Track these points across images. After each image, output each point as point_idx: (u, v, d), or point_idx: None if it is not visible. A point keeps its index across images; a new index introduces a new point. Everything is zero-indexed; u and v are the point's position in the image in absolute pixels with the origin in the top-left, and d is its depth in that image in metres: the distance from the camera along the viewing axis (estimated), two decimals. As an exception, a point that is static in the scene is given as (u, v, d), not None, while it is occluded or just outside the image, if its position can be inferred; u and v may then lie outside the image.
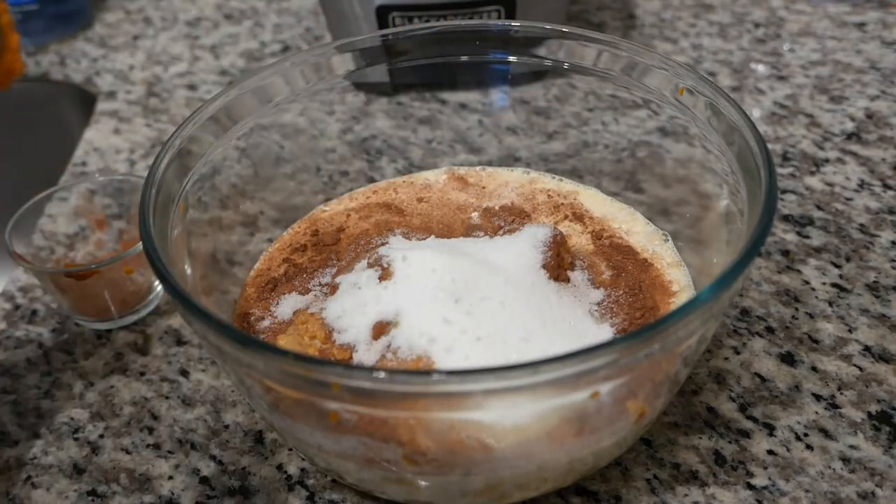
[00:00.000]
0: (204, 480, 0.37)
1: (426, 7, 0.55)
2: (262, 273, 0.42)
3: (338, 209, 0.46)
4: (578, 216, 0.44)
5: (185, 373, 0.42)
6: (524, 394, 0.26)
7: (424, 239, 0.41)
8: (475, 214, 0.44)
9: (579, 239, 0.42)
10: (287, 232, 0.45)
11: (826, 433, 0.37)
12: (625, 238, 0.42)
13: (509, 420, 0.29)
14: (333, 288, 0.38)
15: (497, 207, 0.44)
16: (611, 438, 0.31)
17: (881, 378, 0.39)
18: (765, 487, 0.35)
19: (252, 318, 0.39)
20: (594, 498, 0.35)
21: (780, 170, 0.52)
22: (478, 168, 0.48)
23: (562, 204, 0.45)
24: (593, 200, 0.45)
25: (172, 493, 0.36)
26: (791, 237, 0.47)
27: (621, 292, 0.38)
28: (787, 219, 0.48)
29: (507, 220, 0.43)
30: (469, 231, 0.43)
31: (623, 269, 0.39)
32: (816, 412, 0.38)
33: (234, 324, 0.39)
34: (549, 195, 0.45)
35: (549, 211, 0.44)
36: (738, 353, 0.40)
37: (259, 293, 0.40)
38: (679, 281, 0.39)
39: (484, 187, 0.46)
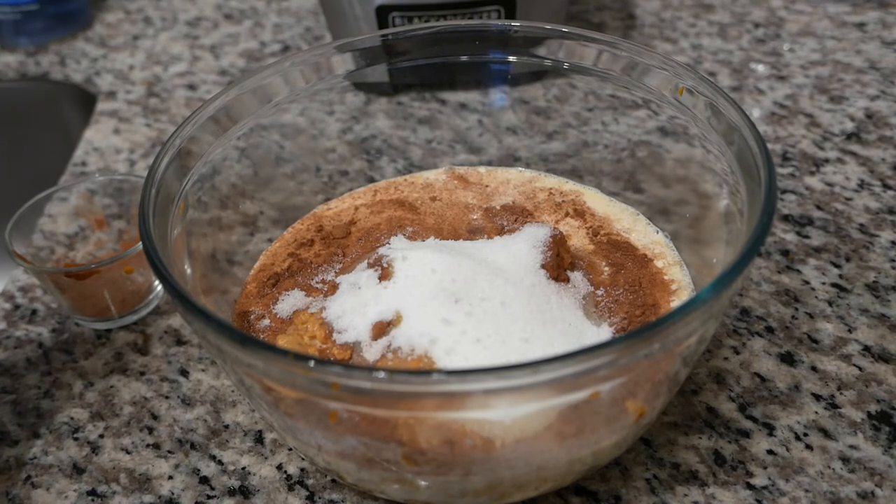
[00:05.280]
0: (204, 480, 0.37)
1: (426, 7, 0.55)
2: (264, 268, 0.42)
3: (342, 207, 0.46)
4: (579, 212, 0.44)
5: (184, 373, 0.42)
6: (524, 394, 0.26)
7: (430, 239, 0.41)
8: (478, 214, 0.44)
9: (578, 237, 0.42)
10: (289, 230, 0.45)
11: (826, 433, 0.37)
12: (623, 235, 0.42)
13: (509, 420, 0.29)
14: (334, 287, 0.38)
15: (498, 207, 0.44)
16: (610, 438, 0.31)
17: (881, 378, 0.39)
18: (764, 487, 0.35)
19: (252, 317, 0.39)
20: (594, 498, 0.35)
21: (779, 170, 0.52)
22: (478, 168, 0.48)
23: (563, 202, 0.45)
24: (593, 200, 0.45)
25: (172, 493, 0.36)
26: (791, 237, 0.47)
27: (621, 290, 0.38)
28: (786, 219, 0.48)
29: (509, 219, 0.43)
30: (474, 231, 0.43)
31: (622, 267, 0.39)
32: (816, 412, 0.38)
33: (233, 323, 0.39)
34: (549, 193, 0.45)
35: (550, 209, 0.44)
36: (737, 352, 0.40)
37: (260, 289, 0.40)
38: (679, 280, 0.39)
39: (486, 186, 0.46)
